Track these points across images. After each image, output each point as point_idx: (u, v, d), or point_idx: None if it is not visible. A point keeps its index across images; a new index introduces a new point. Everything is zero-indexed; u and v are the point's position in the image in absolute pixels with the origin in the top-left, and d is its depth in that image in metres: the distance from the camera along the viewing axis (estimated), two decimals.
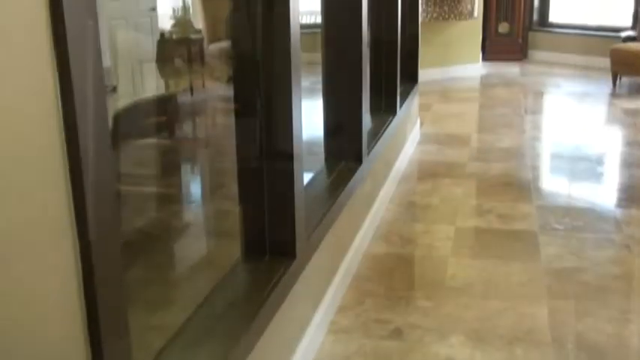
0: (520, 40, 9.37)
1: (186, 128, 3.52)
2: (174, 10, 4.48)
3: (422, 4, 6.70)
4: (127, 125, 2.64)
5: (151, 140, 3.01)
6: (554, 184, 4.54)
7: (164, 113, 3.16)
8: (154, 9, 4.57)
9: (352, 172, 3.00)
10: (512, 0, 9.20)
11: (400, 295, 2.90)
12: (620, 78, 7.45)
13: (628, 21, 8.55)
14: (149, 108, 3.14)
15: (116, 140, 2.22)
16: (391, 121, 3.99)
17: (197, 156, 3.49)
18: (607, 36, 8.46)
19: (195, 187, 3.46)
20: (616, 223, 3.66)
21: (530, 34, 9.50)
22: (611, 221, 3.69)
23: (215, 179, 3.33)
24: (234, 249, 2.23)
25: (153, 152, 3.04)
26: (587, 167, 4.69)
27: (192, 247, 2.76)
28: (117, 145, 2.23)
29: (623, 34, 7.93)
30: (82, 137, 1.04)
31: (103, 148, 1.11)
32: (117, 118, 2.55)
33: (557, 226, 3.60)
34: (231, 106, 2.26)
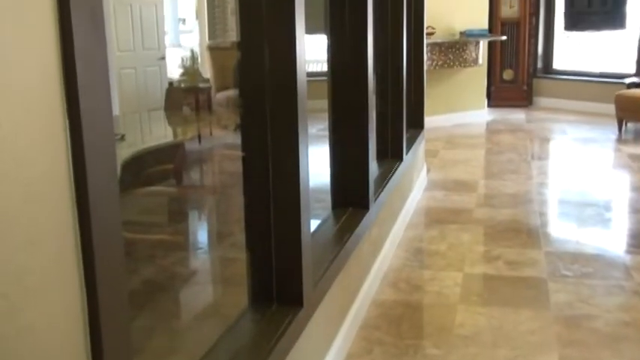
0: (525, 87, 9.45)
1: (193, 176, 3.53)
2: (182, 60, 4.55)
3: (427, 52, 6.79)
4: (134, 173, 2.66)
5: (159, 188, 3.02)
6: (562, 230, 4.52)
7: (172, 161, 3.18)
8: (163, 58, 4.65)
9: (359, 219, 3.00)
10: (516, 47, 9.32)
11: (408, 344, 2.86)
12: (626, 124, 7.48)
13: (632, 67, 8.63)
14: (157, 156, 3.17)
15: (124, 188, 2.23)
16: (398, 167, 4.00)
17: (204, 203, 3.50)
18: (611, 82, 8.53)
19: (202, 235, 3.46)
20: (625, 269, 3.63)
21: (535, 81, 9.59)
22: (621, 268, 3.66)
23: (222, 227, 3.33)
24: (241, 297, 2.22)
25: (160, 200, 3.05)
26: (594, 213, 4.67)
27: (199, 295, 2.74)
28: (125, 193, 2.24)
29: (628, 81, 7.99)
30: (91, 185, 1.05)
31: (111, 196, 1.11)
32: (125, 166, 2.57)
33: (566, 272, 3.57)
34: (239, 153, 2.27)
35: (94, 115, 1.05)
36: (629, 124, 7.55)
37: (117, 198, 1.14)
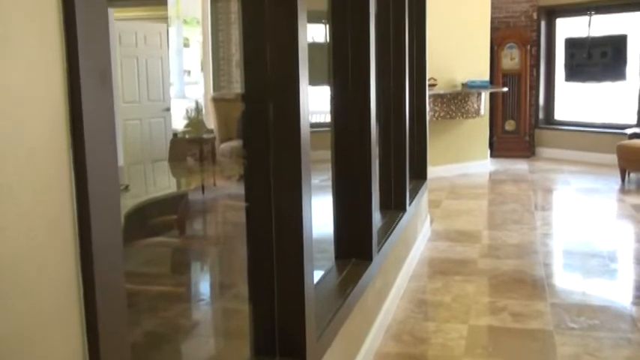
0: (527, 138, 9.51)
1: (196, 226, 3.53)
2: (187, 111, 4.60)
3: (429, 103, 6.85)
4: (138, 224, 2.66)
5: (162, 239, 3.01)
6: (567, 281, 4.48)
7: (175, 212, 3.18)
8: (168, 109, 4.70)
9: (362, 270, 2.98)
10: (518, 98, 9.42)
11: None
12: (629, 174, 7.49)
13: (633, 118, 8.69)
14: (160, 207, 3.17)
15: (127, 239, 2.23)
16: (401, 217, 3.99)
17: (207, 254, 3.49)
18: (613, 133, 8.58)
19: (204, 286, 3.43)
20: (632, 321, 3.58)
21: (537, 132, 9.65)
22: (628, 320, 3.61)
23: (225, 278, 3.32)
24: (243, 349, 2.19)
25: (163, 250, 3.04)
26: (599, 264, 4.63)
27: (201, 347, 2.71)
28: (128, 244, 2.24)
29: (629, 131, 8.04)
30: (95, 236, 1.05)
31: (115, 247, 1.11)
32: (128, 216, 2.57)
33: (572, 325, 3.53)
34: (242, 204, 2.27)
35: (99, 168, 1.06)
36: (631, 175, 7.56)
37: (120, 249, 1.14)
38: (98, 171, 1.05)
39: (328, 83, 3.14)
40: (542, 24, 9.57)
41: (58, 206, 1.02)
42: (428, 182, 5.39)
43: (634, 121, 8.62)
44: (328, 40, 3.14)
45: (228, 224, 3.58)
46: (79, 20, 1.01)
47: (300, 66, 2.05)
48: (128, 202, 2.92)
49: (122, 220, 1.20)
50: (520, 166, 8.85)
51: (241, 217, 2.27)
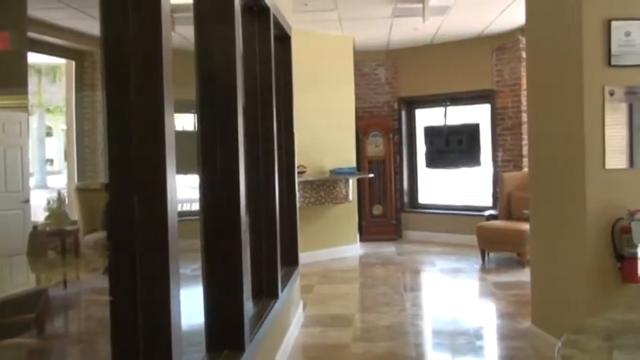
0: (394, 221, 9.84)
1: (57, 324, 3.33)
2: (48, 202, 4.39)
3: (299, 189, 6.97)
4: None
5: (16, 340, 2.81)
6: None
7: (33, 309, 2.98)
8: (27, 201, 4.46)
9: None
10: (384, 184, 9.79)
11: None
12: (488, 254, 7.90)
13: (489, 201, 9.25)
14: (16, 305, 2.97)
15: None
16: (273, 305, 3.96)
17: (68, 354, 3.28)
18: (472, 215, 9.07)
19: None
20: None
21: (403, 215, 10.03)
22: None
23: None
24: None
25: (18, 353, 2.83)
26: (466, 342, 4.79)
27: None
28: None
29: (486, 213, 8.54)
30: None
31: None
32: None
33: None
34: (107, 298, 2.18)
35: None
36: (491, 254, 7.98)
37: None
38: None
39: (197, 171, 3.12)
40: (403, 114, 10.12)
41: None
42: (300, 268, 5.41)
43: (490, 204, 9.17)
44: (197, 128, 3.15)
45: (92, 320, 3.40)
46: None
47: (166, 155, 2.04)
48: None
49: None
50: (388, 248, 9.12)
51: (106, 311, 2.16)
